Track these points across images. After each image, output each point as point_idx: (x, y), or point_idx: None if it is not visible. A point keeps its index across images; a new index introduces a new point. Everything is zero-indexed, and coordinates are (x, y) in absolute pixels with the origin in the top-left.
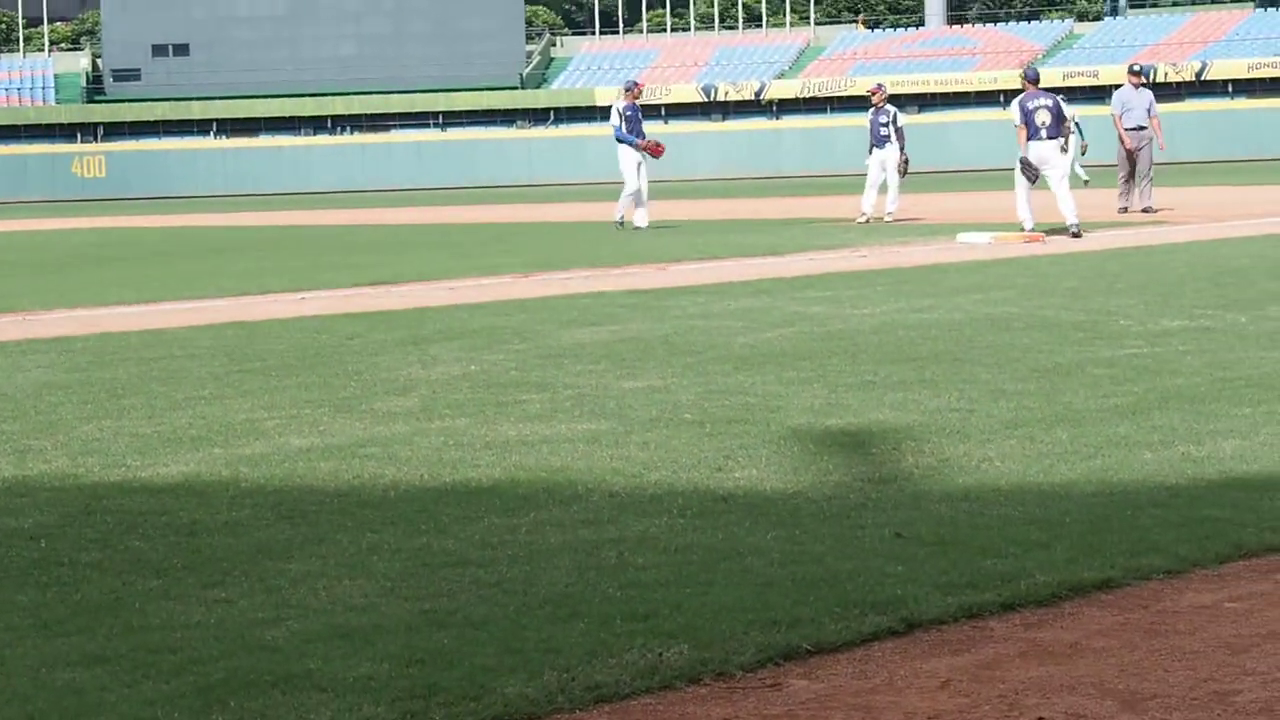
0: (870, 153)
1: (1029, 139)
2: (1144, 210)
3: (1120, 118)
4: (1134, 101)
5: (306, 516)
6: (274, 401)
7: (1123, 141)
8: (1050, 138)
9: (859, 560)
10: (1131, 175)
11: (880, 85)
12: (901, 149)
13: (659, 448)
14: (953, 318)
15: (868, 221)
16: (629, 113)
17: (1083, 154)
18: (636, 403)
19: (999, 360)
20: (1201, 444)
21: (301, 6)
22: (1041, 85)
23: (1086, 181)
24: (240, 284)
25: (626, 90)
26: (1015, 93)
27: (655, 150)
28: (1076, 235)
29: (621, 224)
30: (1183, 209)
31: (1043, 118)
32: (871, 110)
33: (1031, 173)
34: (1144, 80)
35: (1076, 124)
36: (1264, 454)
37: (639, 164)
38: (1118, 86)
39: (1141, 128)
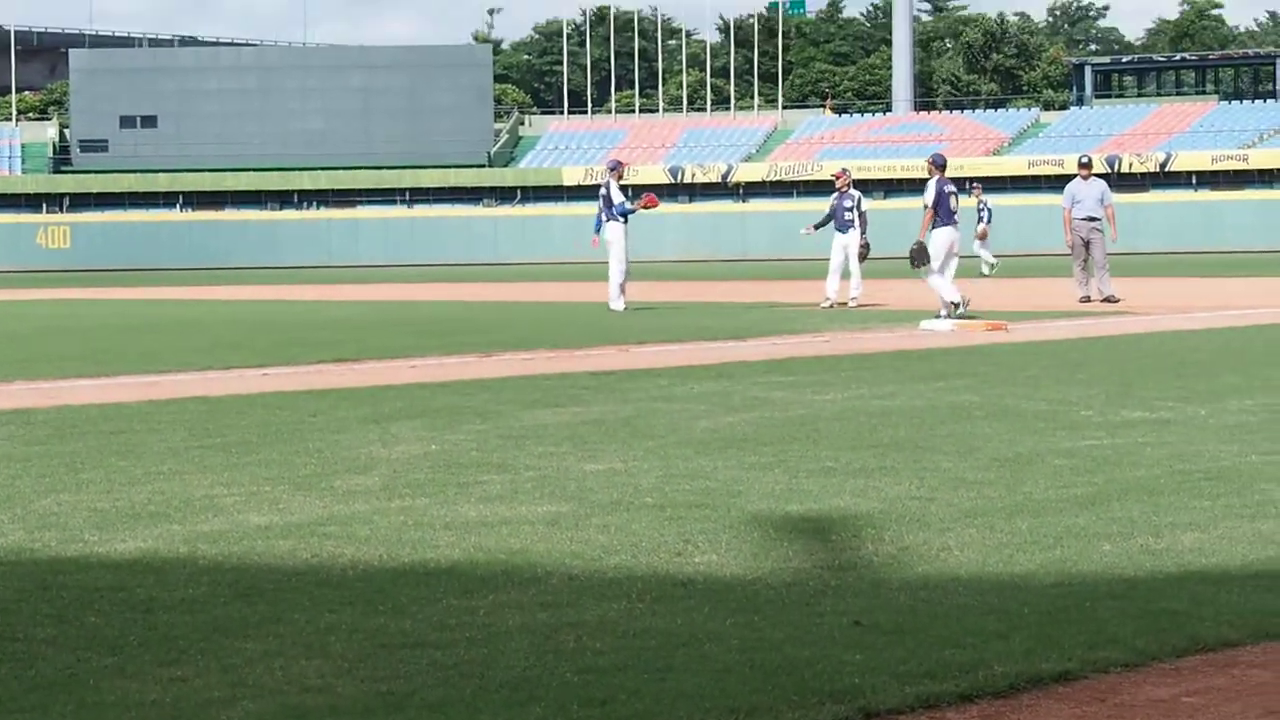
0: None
1: (944, 224)
2: (1106, 300)
3: (1070, 210)
4: (1084, 193)
5: (264, 595)
6: (234, 478)
7: (1066, 234)
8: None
9: (817, 648)
10: (1085, 265)
11: (844, 170)
12: (863, 233)
13: (619, 531)
14: (914, 405)
15: (831, 306)
16: (609, 192)
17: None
18: (597, 485)
19: (960, 449)
20: (1160, 536)
21: (270, 81)
22: (1007, 174)
23: (992, 266)
24: (202, 359)
25: (612, 169)
26: (982, 180)
27: (651, 202)
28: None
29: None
30: (1145, 299)
31: (954, 204)
32: (835, 195)
33: (925, 258)
34: (1093, 171)
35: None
36: (1222, 547)
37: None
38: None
39: (1094, 218)
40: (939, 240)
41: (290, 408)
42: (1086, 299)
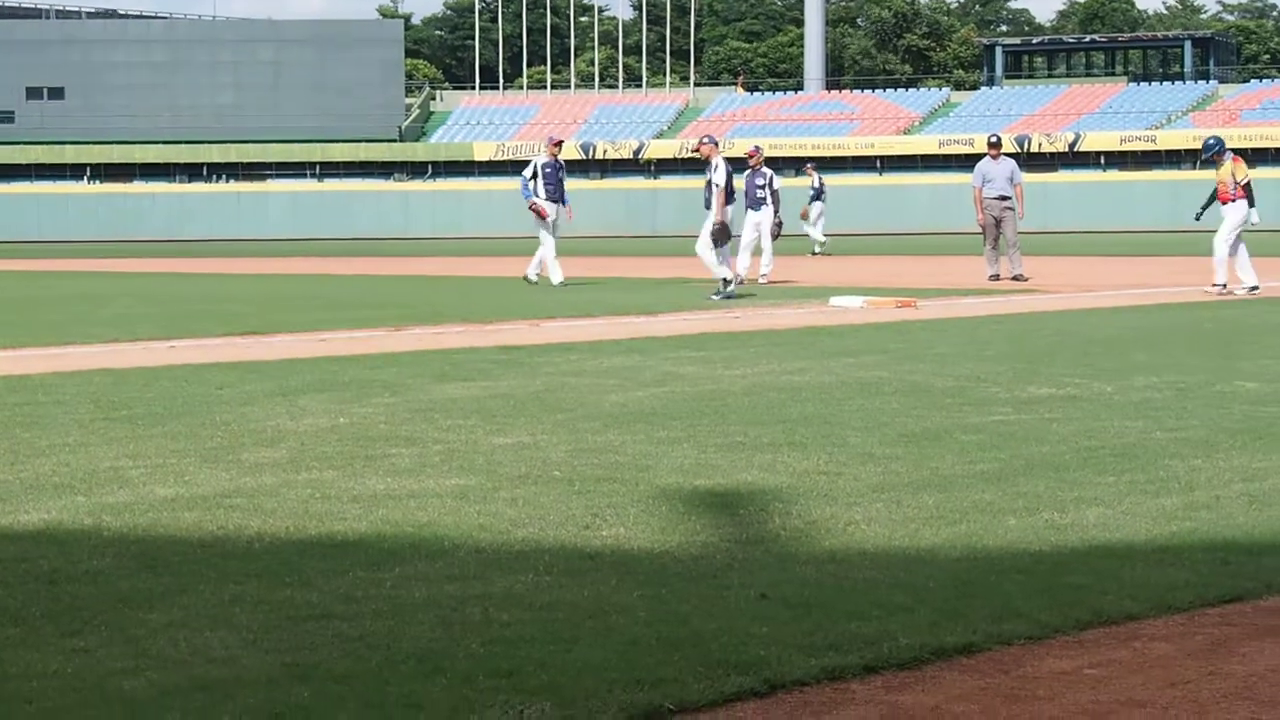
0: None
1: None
2: (1015, 278)
3: (980, 189)
4: (994, 172)
5: (169, 567)
6: (140, 450)
7: (978, 212)
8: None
9: (724, 620)
10: (996, 243)
11: (757, 148)
12: (776, 211)
13: (527, 504)
14: (823, 380)
15: (742, 283)
16: (548, 169)
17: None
18: (506, 459)
19: (868, 424)
20: (1065, 511)
21: (179, 54)
22: (918, 152)
23: (822, 245)
24: (110, 331)
25: (549, 145)
26: (893, 159)
27: (539, 210)
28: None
29: (550, 281)
30: (1053, 278)
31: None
32: (748, 172)
33: (727, 236)
34: (1003, 151)
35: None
36: (1126, 522)
37: (554, 220)
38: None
39: (1005, 197)
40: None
41: (198, 380)
42: (996, 277)
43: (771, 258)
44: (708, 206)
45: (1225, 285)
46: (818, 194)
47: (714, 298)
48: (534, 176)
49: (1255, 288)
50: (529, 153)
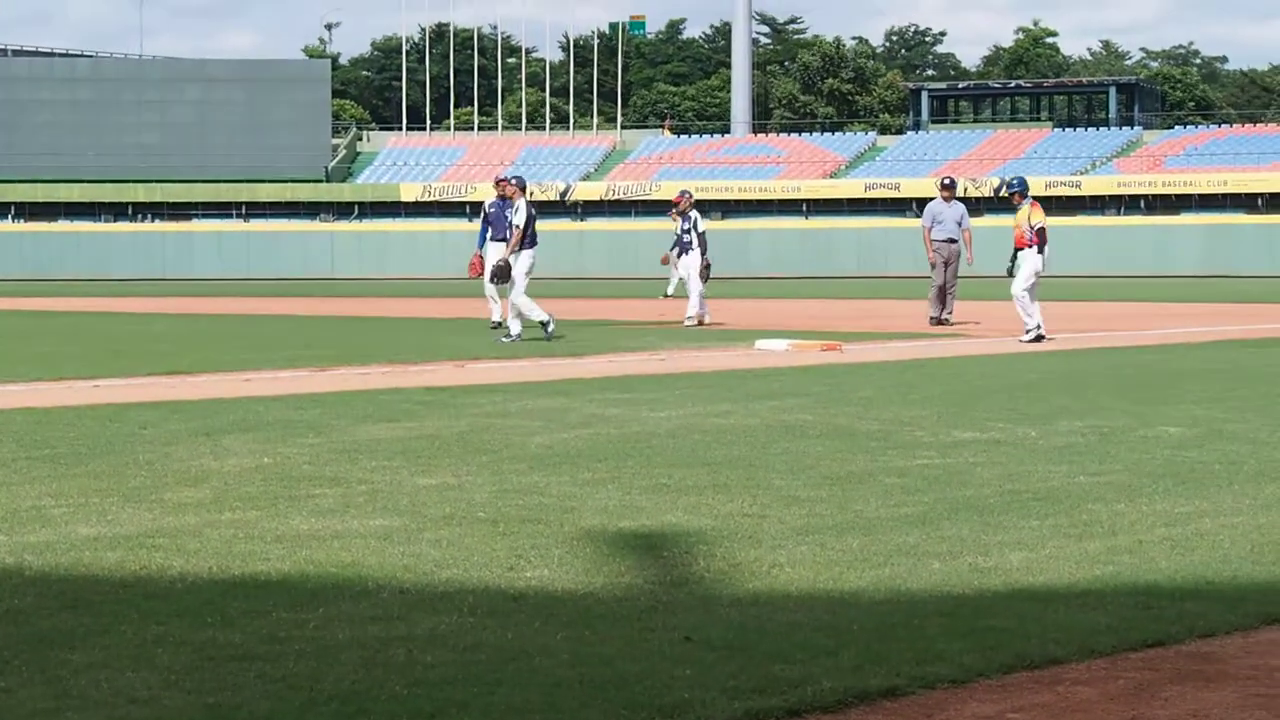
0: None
1: (531, 246)
2: (940, 321)
3: (930, 230)
4: (945, 214)
5: (91, 606)
6: (62, 489)
7: (928, 252)
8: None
9: (648, 663)
10: (943, 287)
11: (685, 192)
12: (704, 254)
13: (451, 545)
14: (748, 423)
15: (700, 323)
16: (492, 210)
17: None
18: (430, 500)
19: (792, 467)
20: (989, 555)
21: (105, 93)
22: (844, 196)
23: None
24: (33, 369)
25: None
26: (819, 202)
27: (471, 269)
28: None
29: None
30: (983, 322)
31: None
32: (673, 214)
33: (507, 276)
34: (954, 194)
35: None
36: (1049, 566)
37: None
38: (921, 200)
39: (952, 240)
40: (524, 261)
41: (121, 419)
42: (937, 320)
43: (700, 300)
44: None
45: (1040, 326)
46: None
47: (505, 340)
48: (484, 219)
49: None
50: (456, 194)
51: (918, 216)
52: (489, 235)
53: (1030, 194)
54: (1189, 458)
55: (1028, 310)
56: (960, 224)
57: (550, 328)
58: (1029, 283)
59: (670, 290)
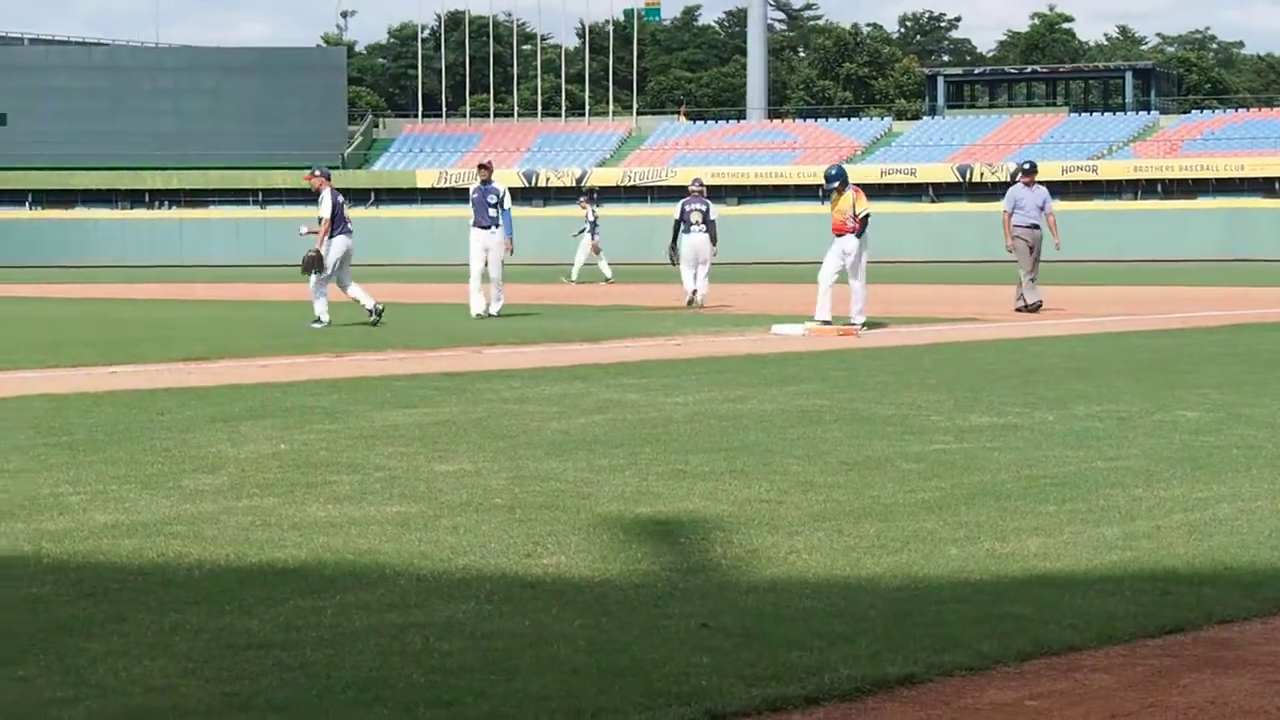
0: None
1: (341, 233)
2: (1030, 308)
3: (1010, 215)
4: (1027, 200)
5: (108, 594)
6: (80, 476)
7: (1006, 238)
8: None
9: (665, 650)
10: (1034, 271)
11: (697, 180)
12: (713, 240)
13: (468, 532)
14: (765, 408)
15: (693, 302)
16: (476, 195)
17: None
18: (447, 486)
19: (809, 452)
20: (1006, 540)
21: (122, 80)
22: (860, 181)
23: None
24: (50, 356)
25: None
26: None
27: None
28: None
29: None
30: (995, 306)
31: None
32: (688, 199)
33: (319, 266)
34: (1035, 178)
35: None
36: (1067, 551)
37: (485, 249)
38: (938, 185)
39: (1035, 226)
40: (336, 248)
41: (139, 406)
42: (1032, 307)
43: (707, 283)
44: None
45: (844, 321)
46: (593, 227)
47: (314, 325)
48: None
49: (828, 322)
50: (471, 180)
51: (934, 201)
52: (471, 220)
53: (851, 181)
54: (1207, 442)
55: (859, 306)
56: (1043, 208)
57: (376, 316)
58: (838, 268)
59: (609, 275)
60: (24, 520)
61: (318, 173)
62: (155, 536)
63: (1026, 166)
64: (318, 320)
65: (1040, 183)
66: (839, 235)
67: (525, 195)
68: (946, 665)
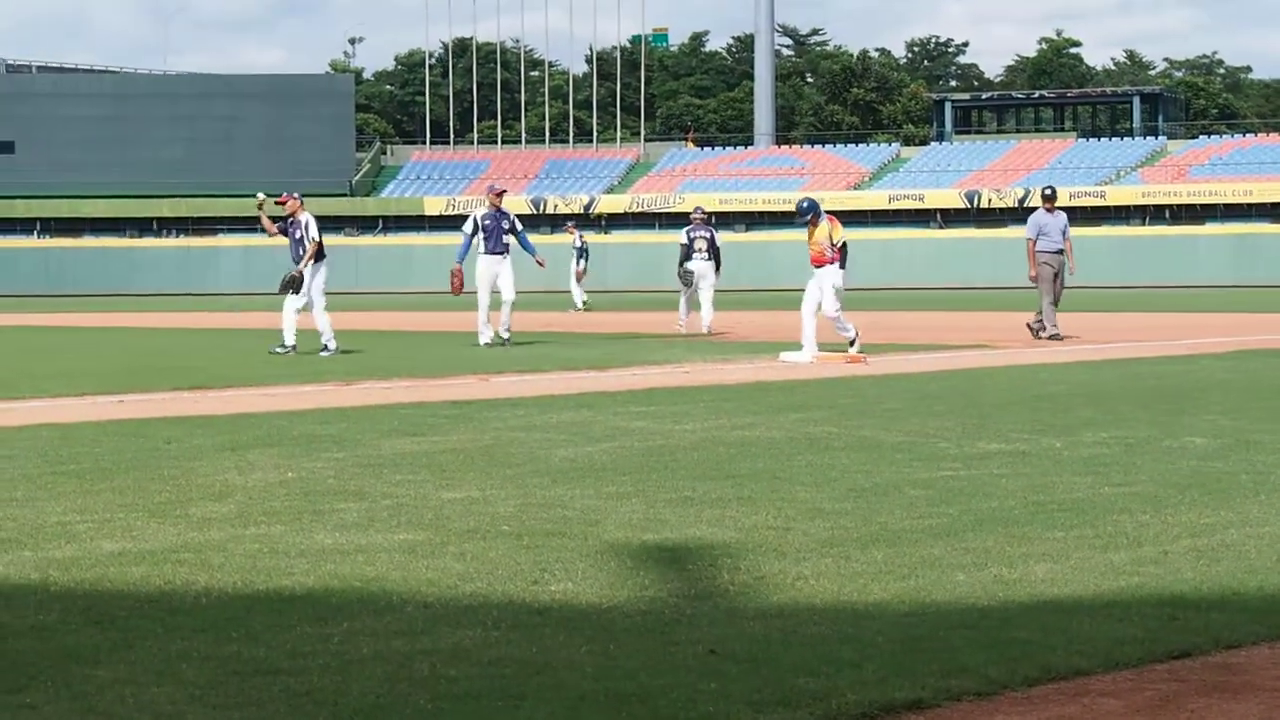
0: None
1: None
2: (1051, 337)
3: (1035, 241)
4: (1051, 225)
5: (116, 621)
6: (87, 505)
7: (1030, 266)
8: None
9: (672, 676)
10: (1056, 299)
11: (699, 208)
12: (718, 268)
13: (475, 559)
14: (772, 436)
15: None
16: (489, 221)
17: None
18: (454, 513)
19: (817, 479)
20: (1014, 566)
21: (131, 108)
22: (868, 207)
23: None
24: (57, 385)
25: (490, 196)
26: (843, 214)
27: (453, 284)
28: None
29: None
30: (1004, 333)
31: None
32: (690, 228)
33: (298, 287)
34: (1055, 204)
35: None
36: (1075, 577)
37: (496, 275)
38: (945, 211)
39: (1059, 251)
40: (319, 273)
41: (145, 435)
42: (1051, 335)
43: (711, 310)
44: (296, 261)
45: (853, 341)
46: (581, 253)
47: (278, 350)
48: (475, 231)
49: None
50: (480, 207)
51: (941, 227)
52: (484, 248)
53: (824, 211)
54: (1214, 468)
55: (844, 325)
56: (1064, 234)
57: (289, 351)
58: (840, 300)
59: (581, 306)
60: (31, 548)
61: (296, 195)
62: (163, 564)
63: (1048, 192)
64: (285, 348)
65: (1030, 208)
66: (818, 267)
67: (533, 222)
68: (955, 691)
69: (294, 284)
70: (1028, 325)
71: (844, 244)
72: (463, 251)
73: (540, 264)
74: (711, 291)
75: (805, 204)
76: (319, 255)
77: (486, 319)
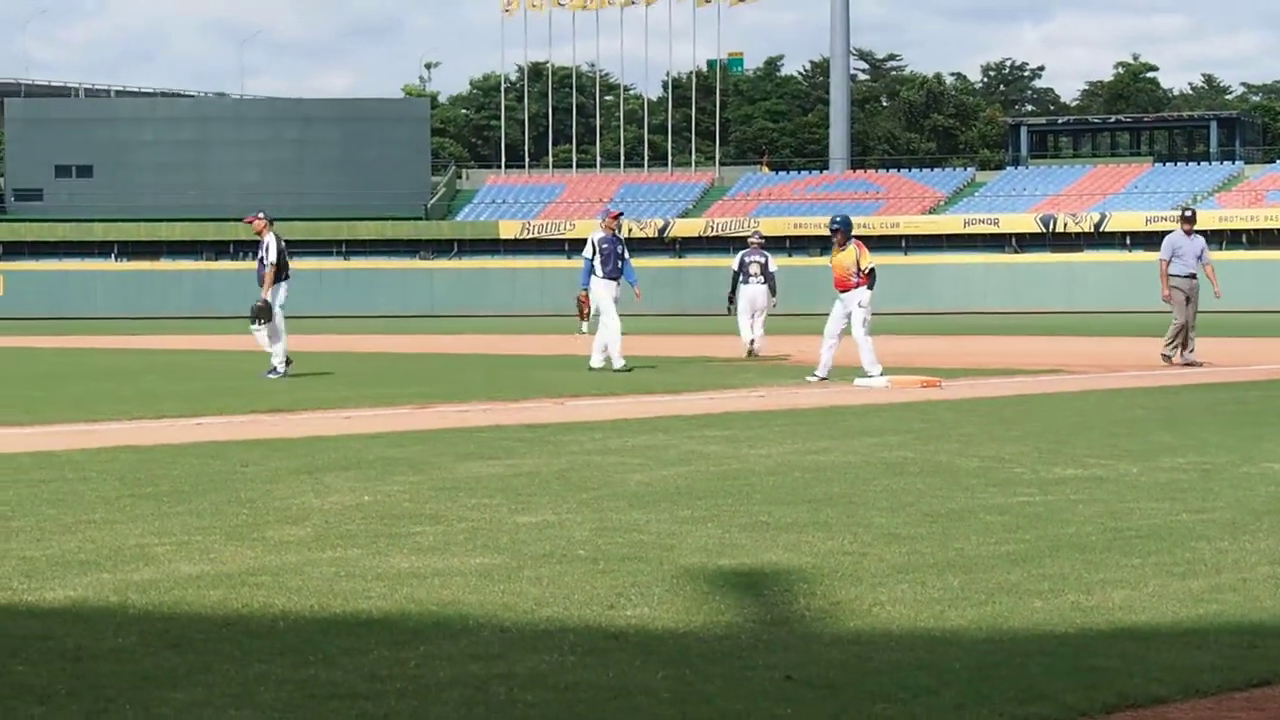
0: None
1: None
2: (1186, 364)
3: (1168, 264)
4: (1186, 248)
5: (193, 645)
6: (165, 527)
7: (1163, 287)
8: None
9: (749, 702)
10: (1185, 325)
11: (756, 230)
12: (773, 291)
13: (551, 583)
14: (848, 460)
15: (754, 353)
16: (605, 245)
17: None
18: (530, 537)
19: (893, 504)
20: (1091, 593)
21: (206, 132)
22: (943, 232)
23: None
24: (135, 408)
25: (606, 219)
26: (918, 238)
27: (581, 310)
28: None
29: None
30: (1079, 358)
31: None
32: (747, 251)
33: (268, 315)
34: (1194, 226)
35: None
36: (1152, 604)
37: (615, 299)
38: (1020, 236)
39: (1193, 275)
40: (281, 295)
41: (223, 457)
42: (1184, 361)
43: (763, 333)
44: (260, 284)
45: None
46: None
47: (270, 375)
48: (594, 255)
49: (825, 378)
50: (554, 231)
51: (1017, 252)
52: (600, 272)
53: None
54: None
55: (869, 352)
56: (1200, 258)
57: (284, 367)
58: (868, 324)
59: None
60: (110, 571)
61: (262, 215)
62: (240, 587)
63: (1188, 214)
64: (273, 370)
65: (1126, 234)
66: (843, 291)
67: None
68: (1032, 717)
69: (264, 312)
70: (1162, 355)
71: (872, 270)
72: (585, 276)
73: (638, 295)
74: (764, 315)
75: (839, 219)
76: (281, 276)
77: (604, 345)
